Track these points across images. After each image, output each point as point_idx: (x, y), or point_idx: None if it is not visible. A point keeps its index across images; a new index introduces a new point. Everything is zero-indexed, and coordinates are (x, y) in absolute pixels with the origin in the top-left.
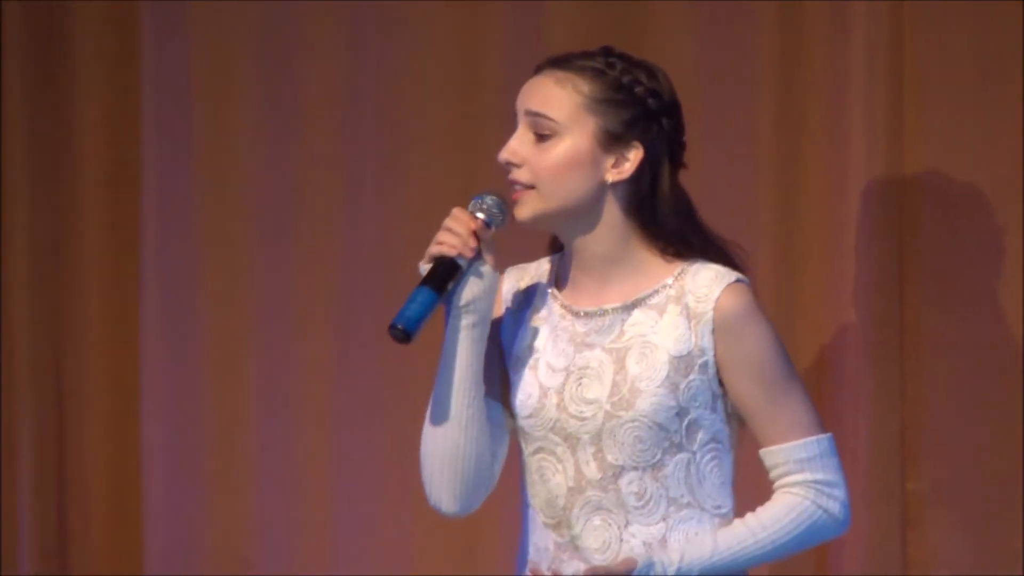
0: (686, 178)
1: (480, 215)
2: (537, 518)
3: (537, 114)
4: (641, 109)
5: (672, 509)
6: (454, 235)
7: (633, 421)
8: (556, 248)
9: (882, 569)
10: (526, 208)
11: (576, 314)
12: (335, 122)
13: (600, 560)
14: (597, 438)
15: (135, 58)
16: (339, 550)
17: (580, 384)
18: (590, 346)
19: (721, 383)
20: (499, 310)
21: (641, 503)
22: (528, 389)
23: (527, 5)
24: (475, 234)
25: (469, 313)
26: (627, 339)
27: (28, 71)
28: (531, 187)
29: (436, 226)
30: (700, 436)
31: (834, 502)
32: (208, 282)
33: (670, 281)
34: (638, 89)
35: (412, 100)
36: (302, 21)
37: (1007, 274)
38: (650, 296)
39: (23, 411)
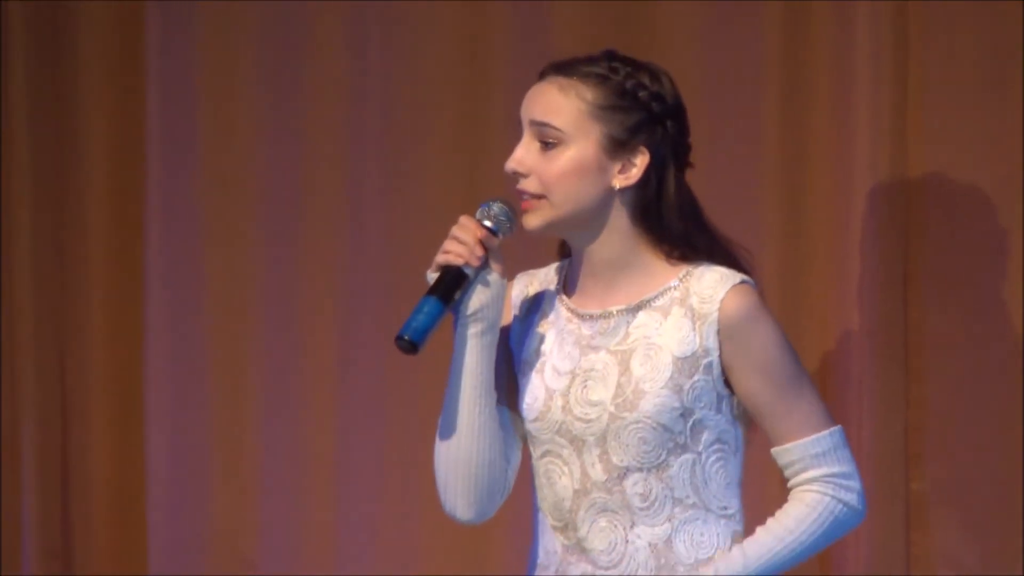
0: (692, 179)
1: (487, 223)
2: (546, 521)
3: (542, 123)
4: (645, 114)
5: (677, 510)
6: (460, 244)
7: (637, 422)
8: (565, 253)
9: (886, 569)
10: (536, 218)
11: (582, 317)
12: (339, 123)
13: (606, 561)
14: (602, 440)
15: (140, 58)
16: (342, 551)
17: (585, 387)
18: (596, 349)
19: (727, 384)
20: (508, 316)
21: (646, 504)
22: (535, 393)
23: (532, 5)
24: (482, 242)
25: (477, 321)
26: (632, 341)
27: (32, 71)
28: (540, 196)
29: (440, 227)
30: (705, 437)
31: (852, 494)
32: (212, 282)
33: (675, 283)
34: (642, 94)
35: (416, 100)
36: (306, 21)
37: (1012, 275)
38: (655, 298)
39: (27, 411)
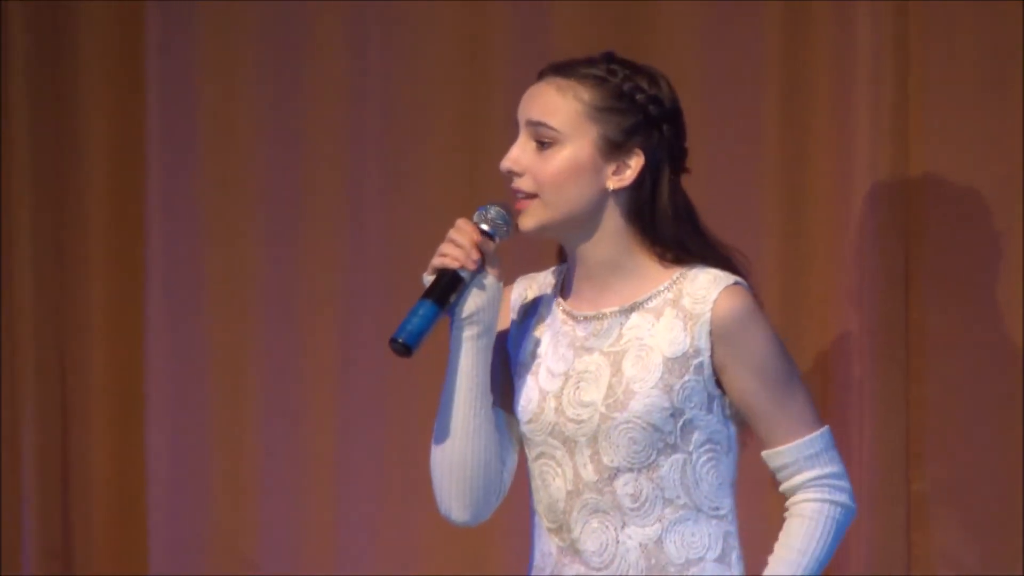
0: (691, 179)
1: (484, 226)
2: (542, 524)
3: (538, 123)
4: (642, 116)
5: (668, 510)
6: (457, 247)
7: (627, 422)
8: (563, 257)
9: (886, 569)
10: (530, 219)
11: (576, 319)
12: (339, 123)
13: (598, 562)
14: (593, 440)
15: (140, 58)
16: (343, 551)
17: (578, 388)
18: (589, 350)
19: (718, 384)
20: (505, 319)
21: (636, 504)
22: (529, 395)
23: (532, 5)
24: (478, 246)
25: (473, 324)
26: (624, 342)
27: (32, 71)
28: (534, 195)
29: (440, 227)
30: (696, 437)
31: (844, 493)
32: (212, 282)
33: (668, 285)
34: (639, 97)
35: (417, 101)
36: (306, 21)
37: (1012, 275)
38: (648, 300)
39: (27, 411)
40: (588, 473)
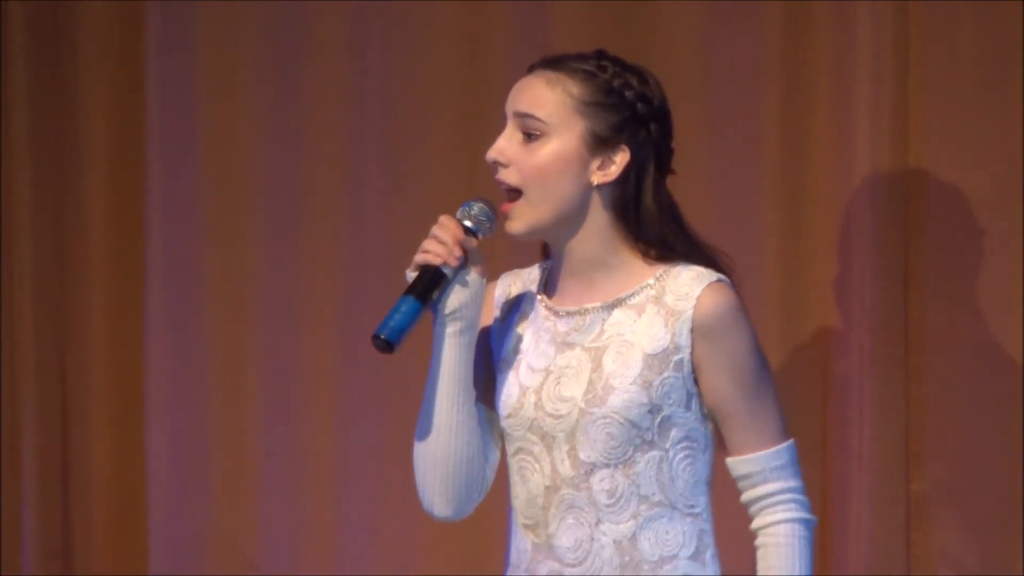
0: (692, 179)
1: (467, 223)
2: (518, 520)
3: (526, 115)
4: (630, 113)
5: (643, 507)
6: (439, 243)
7: (605, 417)
8: (548, 254)
9: (886, 569)
10: (518, 223)
11: (558, 314)
12: (340, 122)
13: (572, 559)
14: (571, 436)
15: (140, 58)
16: (342, 551)
17: (559, 383)
18: (571, 346)
19: (696, 382)
20: (488, 316)
21: (612, 500)
22: (509, 390)
23: (532, 5)
24: (460, 243)
25: (455, 321)
26: (606, 338)
27: (32, 71)
28: (518, 191)
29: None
30: (673, 434)
31: (805, 509)
32: (212, 282)
33: (651, 282)
34: (628, 93)
35: (416, 100)
36: (306, 21)
37: (1012, 275)
38: (631, 296)
39: (27, 411)
40: (565, 468)
